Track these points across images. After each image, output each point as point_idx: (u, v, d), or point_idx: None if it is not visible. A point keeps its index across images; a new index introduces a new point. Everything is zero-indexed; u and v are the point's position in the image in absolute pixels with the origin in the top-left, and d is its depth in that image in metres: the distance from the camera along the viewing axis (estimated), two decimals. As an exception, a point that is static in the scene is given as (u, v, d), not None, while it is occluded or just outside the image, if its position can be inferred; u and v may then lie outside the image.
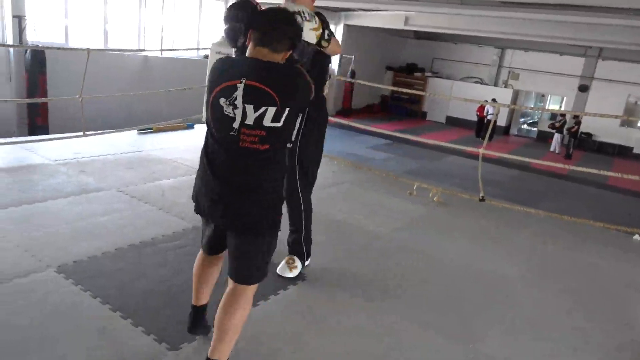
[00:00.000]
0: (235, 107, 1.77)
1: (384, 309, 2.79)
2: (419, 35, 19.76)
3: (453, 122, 19.08)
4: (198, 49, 10.52)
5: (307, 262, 3.13)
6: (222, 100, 1.79)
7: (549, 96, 19.99)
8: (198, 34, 11.62)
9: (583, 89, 17.46)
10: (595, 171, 4.97)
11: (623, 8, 8.10)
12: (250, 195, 1.87)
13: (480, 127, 16.99)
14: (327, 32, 2.49)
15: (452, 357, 2.45)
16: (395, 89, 8.35)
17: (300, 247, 3.05)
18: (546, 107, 20.10)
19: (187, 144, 6.17)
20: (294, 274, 3.00)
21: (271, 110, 1.77)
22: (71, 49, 8.27)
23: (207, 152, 1.92)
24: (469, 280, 3.32)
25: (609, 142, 17.40)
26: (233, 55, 2.33)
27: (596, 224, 4.79)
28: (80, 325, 2.32)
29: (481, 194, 5.08)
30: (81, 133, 5.53)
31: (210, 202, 1.91)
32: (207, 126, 1.91)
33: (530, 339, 2.69)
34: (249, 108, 1.76)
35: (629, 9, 8.12)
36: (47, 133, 7.75)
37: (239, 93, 1.76)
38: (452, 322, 2.75)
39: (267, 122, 1.78)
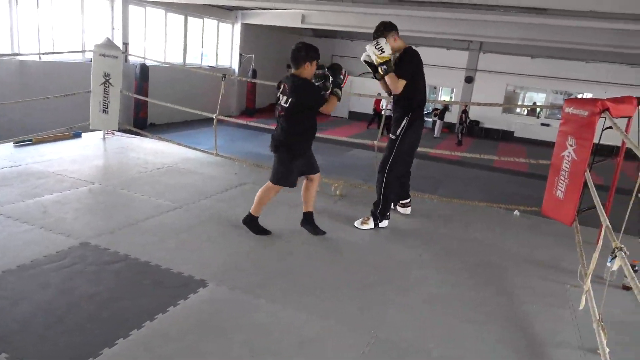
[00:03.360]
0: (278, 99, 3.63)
1: (285, 306, 2.80)
2: (317, 33, 20.11)
3: (355, 117, 19.71)
4: (83, 51, 9.80)
5: (380, 225, 4.16)
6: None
7: (440, 88, 21.42)
8: (82, 36, 10.81)
9: (469, 80, 18.95)
10: (478, 155, 5.41)
11: (499, 5, 8.93)
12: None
13: (378, 120, 17.81)
14: (387, 66, 3.77)
15: (356, 344, 2.52)
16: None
17: (375, 211, 4.14)
18: (438, 99, 21.49)
19: (74, 155, 5.72)
20: (364, 228, 4.11)
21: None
22: None
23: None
24: (365, 268, 3.43)
25: (493, 128, 19.08)
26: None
27: (481, 204, 5.21)
28: (-58, 367, 2.05)
29: (380, 185, 5.30)
30: (-57, 149, 4.91)
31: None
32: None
33: (428, 317, 2.84)
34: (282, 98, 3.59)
35: (503, 6, 8.97)
36: None
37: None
38: (352, 310, 2.84)
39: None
